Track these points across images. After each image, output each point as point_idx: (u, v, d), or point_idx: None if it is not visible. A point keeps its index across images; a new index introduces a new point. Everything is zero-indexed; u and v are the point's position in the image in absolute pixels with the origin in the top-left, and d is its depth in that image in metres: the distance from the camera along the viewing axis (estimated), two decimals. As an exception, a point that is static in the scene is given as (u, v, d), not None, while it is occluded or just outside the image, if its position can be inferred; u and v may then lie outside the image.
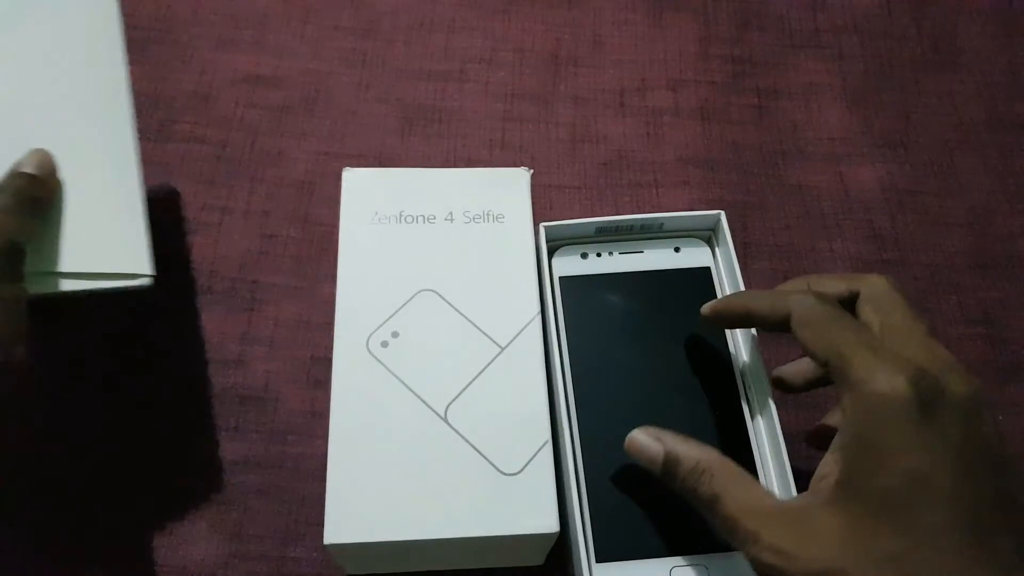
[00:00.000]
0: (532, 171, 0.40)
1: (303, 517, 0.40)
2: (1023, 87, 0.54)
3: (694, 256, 0.39)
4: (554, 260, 0.39)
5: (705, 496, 0.28)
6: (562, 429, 0.34)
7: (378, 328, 0.35)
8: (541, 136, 0.51)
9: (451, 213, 0.38)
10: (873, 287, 0.31)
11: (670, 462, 0.29)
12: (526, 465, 0.32)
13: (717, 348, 0.36)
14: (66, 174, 0.36)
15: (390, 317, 0.35)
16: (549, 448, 0.33)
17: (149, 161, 0.49)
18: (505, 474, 0.32)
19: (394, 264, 0.37)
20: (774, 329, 0.31)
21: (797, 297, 0.30)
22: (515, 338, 0.35)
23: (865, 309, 0.30)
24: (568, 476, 0.33)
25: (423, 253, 0.37)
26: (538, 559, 0.37)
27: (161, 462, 0.41)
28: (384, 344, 0.35)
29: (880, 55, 0.55)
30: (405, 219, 0.38)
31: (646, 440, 0.31)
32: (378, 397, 0.34)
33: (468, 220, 0.38)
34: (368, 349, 0.35)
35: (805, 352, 0.29)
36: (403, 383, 0.34)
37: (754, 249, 0.48)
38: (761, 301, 0.31)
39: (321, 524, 0.31)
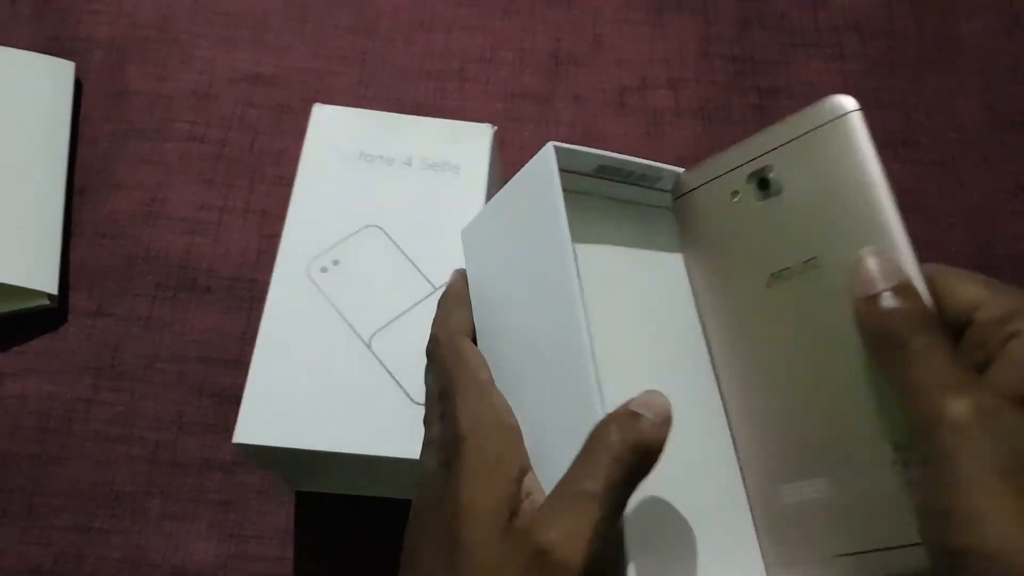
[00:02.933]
0: (496, 128, 0.40)
1: (303, 518, 0.40)
2: (1023, 87, 0.54)
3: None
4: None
5: None
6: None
7: (321, 254, 0.37)
8: (541, 136, 0.51)
9: (410, 158, 0.39)
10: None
11: None
12: None
13: None
14: None
15: (334, 246, 0.37)
16: None
17: (148, 160, 0.49)
18: (415, 402, 0.33)
19: (346, 198, 0.38)
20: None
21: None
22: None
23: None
24: None
25: (376, 191, 0.39)
26: None
27: (160, 462, 0.41)
28: (324, 270, 0.36)
29: (881, 54, 0.55)
30: (365, 158, 0.39)
31: None
32: (309, 316, 0.35)
33: (425, 166, 0.39)
34: (308, 272, 0.36)
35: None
36: (334, 307, 0.36)
37: (755, 249, 0.48)
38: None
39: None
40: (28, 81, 0.49)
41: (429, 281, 0.36)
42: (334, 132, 0.40)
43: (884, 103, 0.53)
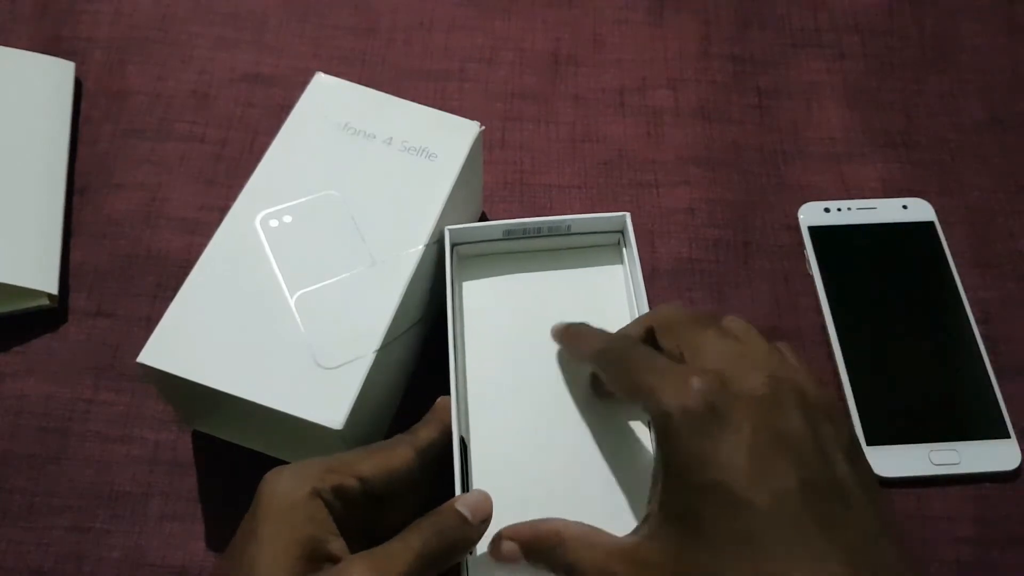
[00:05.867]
0: (484, 127, 0.41)
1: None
2: (1023, 87, 0.54)
3: (919, 212, 0.48)
4: (802, 212, 0.48)
5: (561, 565, 0.28)
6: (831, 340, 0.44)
7: (276, 209, 0.38)
8: (541, 136, 0.51)
9: (391, 138, 0.40)
10: (661, 316, 0.32)
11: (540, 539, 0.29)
12: (342, 365, 0.34)
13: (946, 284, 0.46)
14: None
15: (291, 204, 0.38)
16: (370, 359, 0.34)
17: (148, 160, 0.49)
18: (320, 366, 0.34)
19: (318, 163, 0.39)
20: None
21: (602, 337, 0.33)
22: (390, 260, 0.37)
23: (663, 339, 0.31)
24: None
25: (348, 162, 0.39)
26: None
27: (160, 462, 0.41)
28: (273, 223, 0.37)
29: (881, 54, 0.55)
30: (348, 130, 0.40)
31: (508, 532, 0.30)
32: (245, 261, 0.36)
33: (403, 149, 0.40)
34: (257, 221, 0.37)
35: (614, 392, 0.31)
36: (271, 258, 0.36)
37: (755, 249, 0.48)
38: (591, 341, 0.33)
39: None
40: (28, 81, 0.49)
41: (370, 255, 0.37)
42: (326, 101, 0.41)
43: (884, 103, 0.53)
